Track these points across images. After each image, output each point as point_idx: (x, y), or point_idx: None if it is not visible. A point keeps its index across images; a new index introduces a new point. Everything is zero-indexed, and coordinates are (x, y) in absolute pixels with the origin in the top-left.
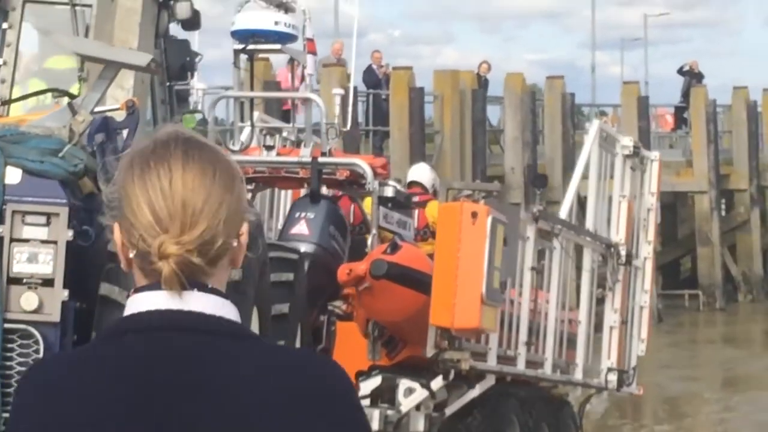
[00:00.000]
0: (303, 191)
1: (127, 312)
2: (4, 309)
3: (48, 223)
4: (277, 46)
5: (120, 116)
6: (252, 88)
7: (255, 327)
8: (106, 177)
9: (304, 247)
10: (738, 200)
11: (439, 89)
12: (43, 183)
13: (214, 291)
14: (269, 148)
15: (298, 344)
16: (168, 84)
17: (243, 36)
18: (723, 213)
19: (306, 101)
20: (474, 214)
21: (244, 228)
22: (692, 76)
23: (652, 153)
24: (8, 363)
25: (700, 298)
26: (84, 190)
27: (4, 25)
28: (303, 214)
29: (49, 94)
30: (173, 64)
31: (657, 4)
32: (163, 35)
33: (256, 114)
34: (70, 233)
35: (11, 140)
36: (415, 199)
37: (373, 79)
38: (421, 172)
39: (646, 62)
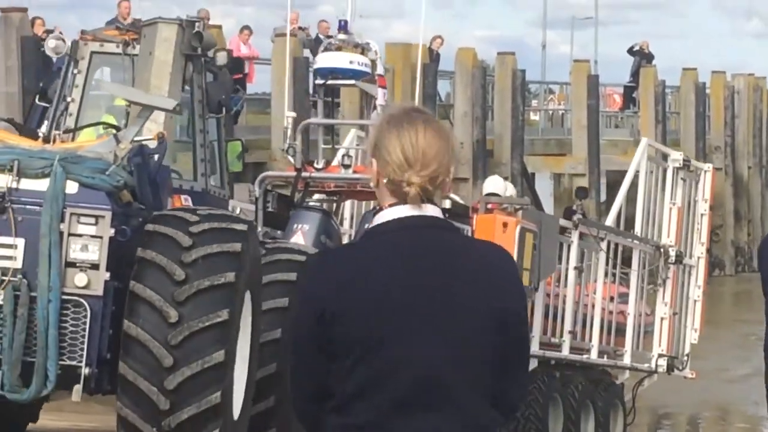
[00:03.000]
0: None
1: (380, 220)
2: (63, 285)
3: (96, 223)
4: (352, 82)
5: (153, 145)
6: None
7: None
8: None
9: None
10: None
11: (391, 62)
12: (93, 193)
13: (436, 204)
14: (346, 166)
15: None
16: (216, 117)
17: (324, 73)
18: None
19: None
20: (505, 225)
21: (452, 169)
22: (642, 56)
23: (705, 165)
24: (64, 325)
25: None
26: (123, 199)
27: (75, 71)
28: (299, 226)
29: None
30: (212, 101)
31: None
32: (191, 81)
33: (352, 132)
34: (112, 231)
35: (71, 161)
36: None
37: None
38: (496, 184)
39: (596, 41)
